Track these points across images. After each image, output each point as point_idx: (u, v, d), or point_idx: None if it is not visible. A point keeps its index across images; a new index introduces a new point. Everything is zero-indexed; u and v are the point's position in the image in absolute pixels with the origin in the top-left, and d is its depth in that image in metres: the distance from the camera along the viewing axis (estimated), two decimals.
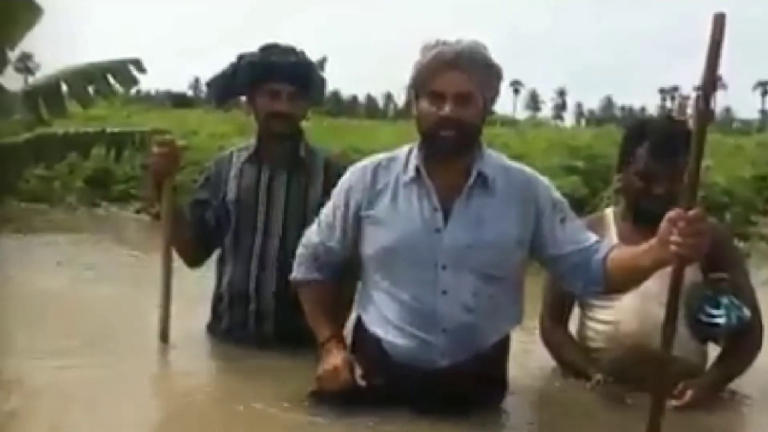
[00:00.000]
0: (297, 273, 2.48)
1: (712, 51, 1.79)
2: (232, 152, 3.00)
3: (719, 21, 1.78)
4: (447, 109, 2.16)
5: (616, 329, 2.54)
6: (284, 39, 2.74)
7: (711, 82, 1.82)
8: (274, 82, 2.80)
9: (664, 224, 1.90)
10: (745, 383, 2.61)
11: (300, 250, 2.49)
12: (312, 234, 2.46)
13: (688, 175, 1.87)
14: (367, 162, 2.38)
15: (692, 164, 1.86)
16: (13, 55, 6.01)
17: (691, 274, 2.47)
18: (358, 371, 2.27)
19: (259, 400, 2.34)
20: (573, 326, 2.75)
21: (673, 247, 1.87)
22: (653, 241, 1.96)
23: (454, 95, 2.16)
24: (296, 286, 2.49)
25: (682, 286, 1.91)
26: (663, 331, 1.91)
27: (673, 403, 2.35)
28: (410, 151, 2.32)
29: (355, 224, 2.34)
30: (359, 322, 2.41)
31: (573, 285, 2.31)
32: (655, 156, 2.49)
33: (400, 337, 2.26)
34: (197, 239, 2.92)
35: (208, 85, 2.98)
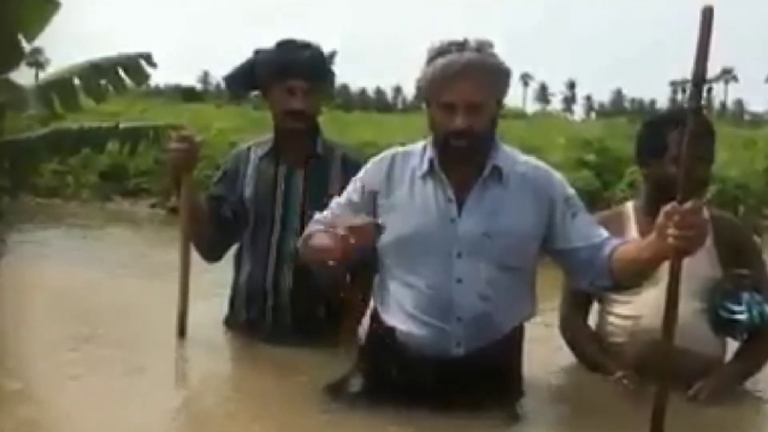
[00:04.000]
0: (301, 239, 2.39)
1: (701, 44, 1.81)
2: (249, 148, 3.01)
3: (707, 14, 1.81)
4: (458, 121, 2.17)
5: (636, 324, 2.54)
6: (292, 32, 2.76)
7: (701, 74, 1.84)
8: (291, 79, 2.81)
9: (660, 217, 1.93)
10: (760, 379, 2.62)
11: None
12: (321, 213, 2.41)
13: (683, 167, 1.89)
14: (384, 154, 2.41)
15: (686, 157, 1.88)
16: (27, 48, 6.04)
17: (711, 269, 2.49)
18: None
19: (276, 394, 2.36)
20: (592, 321, 2.76)
21: (669, 240, 1.90)
22: (653, 234, 1.99)
23: (465, 106, 2.17)
24: (302, 247, 2.37)
25: (681, 278, 1.92)
26: (664, 324, 1.93)
27: (690, 393, 2.37)
28: (425, 147, 2.35)
29: (368, 204, 2.34)
30: (375, 313, 2.43)
31: (580, 280, 2.33)
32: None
33: (416, 326, 2.27)
34: (215, 234, 2.93)
35: (226, 80, 2.99)
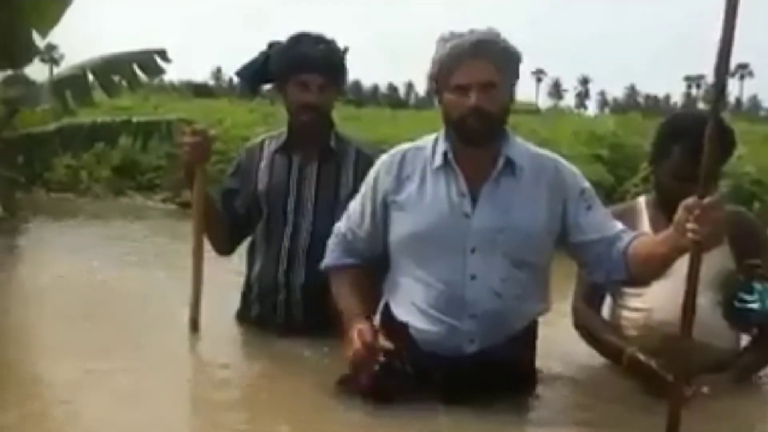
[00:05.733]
0: (328, 259, 2.49)
1: (726, 31, 1.78)
2: (263, 141, 3.01)
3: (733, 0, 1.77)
4: (473, 99, 2.16)
5: (649, 316, 2.53)
6: (305, 29, 2.74)
7: (725, 63, 1.81)
8: (305, 73, 2.80)
9: (680, 212, 1.91)
10: None
11: (331, 240, 2.51)
12: (342, 224, 2.48)
13: (704, 161, 1.86)
14: (394, 151, 2.40)
15: (707, 150, 1.86)
16: (41, 44, 6.09)
17: (723, 261, 2.48)
18: (386, 342, 2.17)
19: (287, 389, 2.36)
20: (604, 315, 2.74)
21: (689, 235, 1.88)
22: (670, 229, 1.97)
23: (479, 85, 2.17)
24: (327, 272, 2.49)
25: (699, 273, 1.90)
26: (682, 319, 1.92)
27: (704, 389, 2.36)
28: (436, 140, 2.33)
29: (383, 212, 2.35)
30: (386, 308, 2.42)
31: (596, 274, 2.32)
32: (692, 157, 2.30)
33: (428, 322, 2.27)
34: (228, 228, 2.94)
35: (239, 74, 2.99)
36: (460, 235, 2.23)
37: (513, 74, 2.28)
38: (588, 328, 2.69)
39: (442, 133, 2.32)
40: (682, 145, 2.47)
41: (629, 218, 2.55)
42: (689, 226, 1.88)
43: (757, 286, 2.42)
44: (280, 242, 2.88)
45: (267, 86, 3.06)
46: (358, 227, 2.42)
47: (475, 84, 2.17)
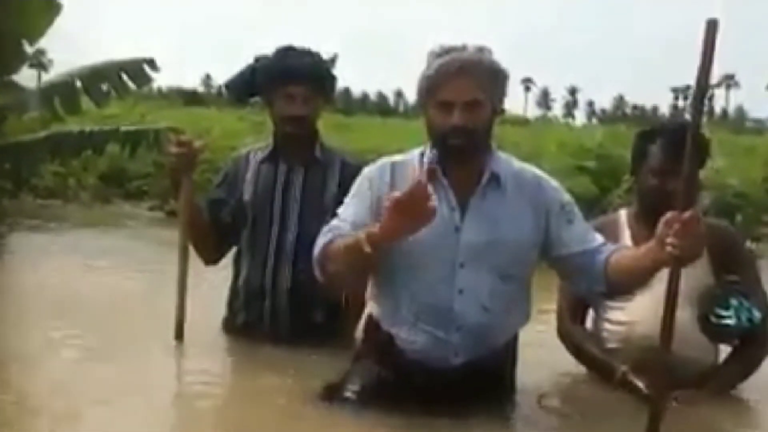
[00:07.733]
0: (317, 247, 2.30)
1: (705, 55, 1.84)
2: (249, 152, 3.04)
3: (712, 27, 1.83)
4: (456, 117, 2.18)
5: (630, 330, 2.55)
6: (294, 36, 2.78)
7: (704, 85, 1.86)
8: (290, 85, 2.84)
9: (660, 226, 1.93)
10: (751, 384, 2.62)
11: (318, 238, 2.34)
12: (331, 223, 2.34)
13: (684, 176, 1.90)
14: (382, 162, 2.39)
15: (687, 165, 1.90)
16: (30, 51, 6.08)
17: (703, 276, 2.50)
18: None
19: (272, 396, 2.37)
20: (588, 327, 2.77)
21: (669, 249, 1.90)
22: (651, 242, 2.00)
23: (462, 103, 2.19)
24: (320, 257, 2.28)
25: (679, 287, 1.93)
26: (662, 332, 1.94)
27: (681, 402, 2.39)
28: (422, 154, 2.34)
29: (377, 209, 2.25)
30: (371, 319, 2.42)
31: (577, 285, 2.36)
32: (668, 152, 2.49)
33: (415, 334, 2.27)
34: (214, 237, 2.97)
35: (227, 86, 3.03)
36: (450, 249, 2.24)
37: (499, 92, 2.29)
38: (571, 340, 2.72)
39: (428, 147, 2.33)
40: (657, 142, 2.54)
41: (610, 231, 2.58)
42: (668, 240, 1.90)
43: (734, 301, 2.45)
44: (265, 250, 2.90)
45: (254, 99, 3.09)
46: (347, 216, 2.30)
47: (459, 102, 2.19)
